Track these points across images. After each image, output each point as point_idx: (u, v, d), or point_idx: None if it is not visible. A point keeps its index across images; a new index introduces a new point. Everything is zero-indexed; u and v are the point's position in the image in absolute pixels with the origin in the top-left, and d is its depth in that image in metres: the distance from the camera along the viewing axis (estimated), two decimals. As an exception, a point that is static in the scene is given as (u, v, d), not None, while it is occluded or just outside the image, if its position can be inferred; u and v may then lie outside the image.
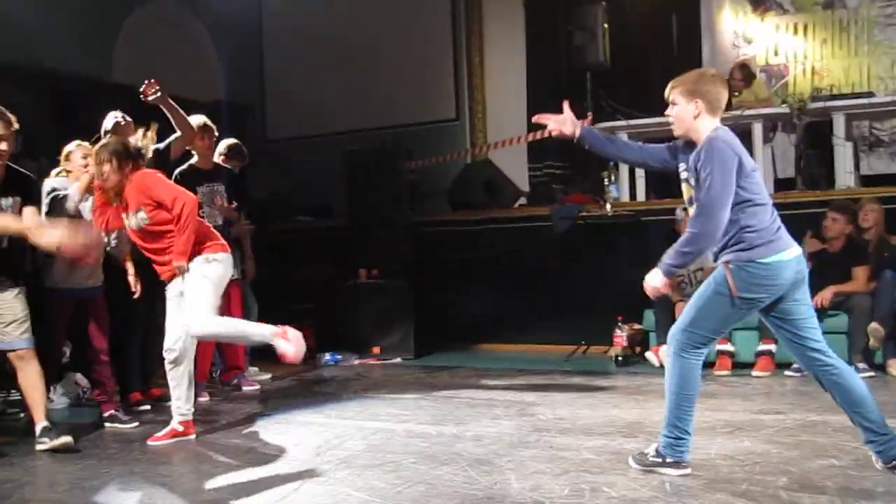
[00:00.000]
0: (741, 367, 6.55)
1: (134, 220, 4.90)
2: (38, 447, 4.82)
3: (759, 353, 6.46)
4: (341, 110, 9.84)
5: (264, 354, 7.49)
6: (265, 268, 7.32)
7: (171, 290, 5.00)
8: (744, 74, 8.26)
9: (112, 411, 5.51)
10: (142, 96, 5.58)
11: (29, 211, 4.80)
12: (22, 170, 5.13)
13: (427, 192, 9.32)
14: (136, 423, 5.46)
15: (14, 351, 4.92)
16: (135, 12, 9.12)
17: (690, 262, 3.72)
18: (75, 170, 5.49)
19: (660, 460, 3.81)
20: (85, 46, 8.42)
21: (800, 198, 7.36)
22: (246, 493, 3.90)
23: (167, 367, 5.07)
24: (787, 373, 6.29)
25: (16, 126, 4.84)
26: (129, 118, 5.86)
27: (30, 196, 5.07)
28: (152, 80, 5.56)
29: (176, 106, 5.81)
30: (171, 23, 9.71)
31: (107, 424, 5.44)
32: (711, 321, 3.73)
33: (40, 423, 4.88)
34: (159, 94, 5.57)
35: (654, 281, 3.77)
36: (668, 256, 3.72)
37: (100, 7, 8.64)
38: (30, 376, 4.92)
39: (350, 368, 7.58)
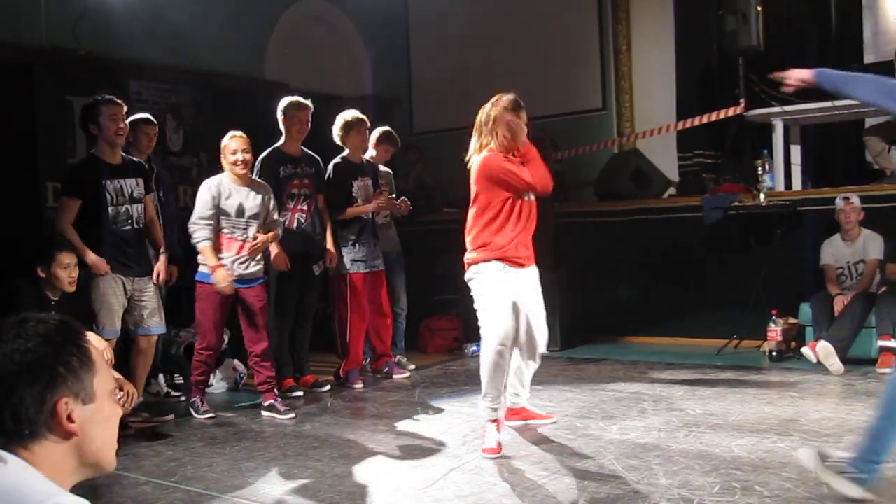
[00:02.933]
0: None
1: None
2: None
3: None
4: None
5: (414, 344, 7.69)
6: (412, 259, 7.45)
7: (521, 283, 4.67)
8: (910, 56, 7.82)
9: (271, 401, 5.64)
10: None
11: None
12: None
13: (574, 183, 9.25)
14: (292, 415, 5.51)
15: (149, 336, 5.46)
16: (286, 12, 9.43)
17: (839, 89, 3.52)
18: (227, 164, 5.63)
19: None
20: (241, 46, 8.77)
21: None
22: (394, 480, 4.00)
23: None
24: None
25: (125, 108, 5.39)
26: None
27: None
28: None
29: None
30: (321, 21, 9.99)
31: (264, 413, 5.59)
32: None
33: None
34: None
35: (800, 74, 3.62)
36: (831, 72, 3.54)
37: (255, 8, 8.96)
38: (149, 358, 5.49)
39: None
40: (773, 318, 6.77)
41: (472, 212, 4.64)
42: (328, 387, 6.33)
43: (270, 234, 5.71)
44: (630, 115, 9.60)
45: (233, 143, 5.53)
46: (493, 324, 4.44)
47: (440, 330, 8.11)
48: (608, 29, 9.71)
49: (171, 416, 5.53)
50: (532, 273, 4.71)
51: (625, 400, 5.52)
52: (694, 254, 7.96)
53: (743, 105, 7.91)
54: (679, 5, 9.26)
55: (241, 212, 5.55)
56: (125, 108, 5.39)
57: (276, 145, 6.21)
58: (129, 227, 5.32)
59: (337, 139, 6.51)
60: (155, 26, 7.75)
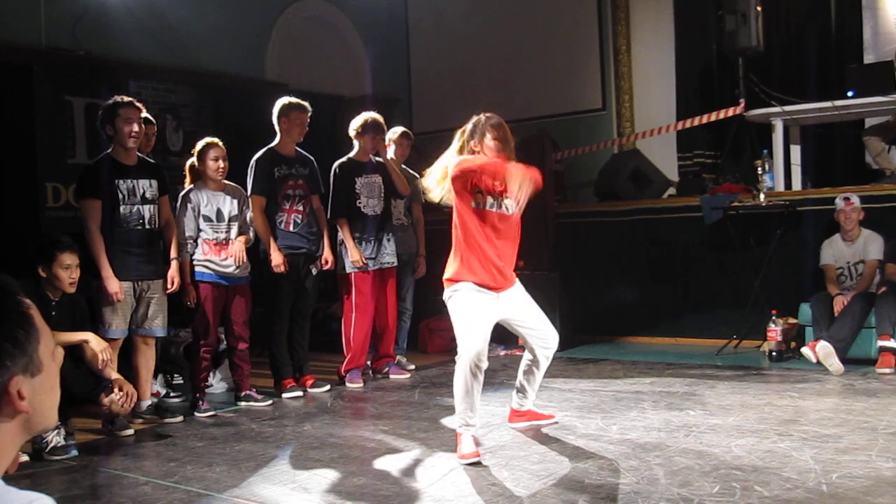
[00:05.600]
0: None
1: (509, 204, 4.56)
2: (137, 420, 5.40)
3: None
4: (487, 102, 9.85)
5: (413, 344, 7.69)
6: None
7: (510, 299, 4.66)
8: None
9: (247, 391, 5.94)
10: None
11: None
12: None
13: (574, 183, 9.25)
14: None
15: (154, 337, 5.55)
16: (286, 12, 9.43)
17: None
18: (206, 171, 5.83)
19: None
20: (240, 46, 8.77)
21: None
22: (393, 480, 4.00)
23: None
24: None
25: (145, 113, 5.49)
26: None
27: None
28: None
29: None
30: (321, 21, 9.98)
31: (241, 403, 5.91)
32: None
33: (145, 402, 5.51)
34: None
35: None
36: None
37: (255, 8, 8.96)
38: (150, 359, 5.55)
39: (496, 359, 7.60)
40: (773, 318, 6.78)
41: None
42: (328, 387, 6.33)
43: (243, 238, 5.88)
44: (630, 115, 9.60)
45: (213, 152, 5.78)
46: (465, 344, 4.34)
47: (440, 330, 8.10)
48: (608, 29, 9.71)
49: (181, 418, 5.53)
50: (515, 292, 4.68)
51: (625, 400, 5.52)
52: (694, 254, 7.96)
53: (743, 105, 7.91)
54: (679, 5, 9.26)
55: (220, 216, 5.81)
56: (142, 112, 5.45)
57: (270, 146, 6.21)
58: (139, 227, 5.37)
59: (351, 134, 6.60)
60: (155, 27, 7.75)
